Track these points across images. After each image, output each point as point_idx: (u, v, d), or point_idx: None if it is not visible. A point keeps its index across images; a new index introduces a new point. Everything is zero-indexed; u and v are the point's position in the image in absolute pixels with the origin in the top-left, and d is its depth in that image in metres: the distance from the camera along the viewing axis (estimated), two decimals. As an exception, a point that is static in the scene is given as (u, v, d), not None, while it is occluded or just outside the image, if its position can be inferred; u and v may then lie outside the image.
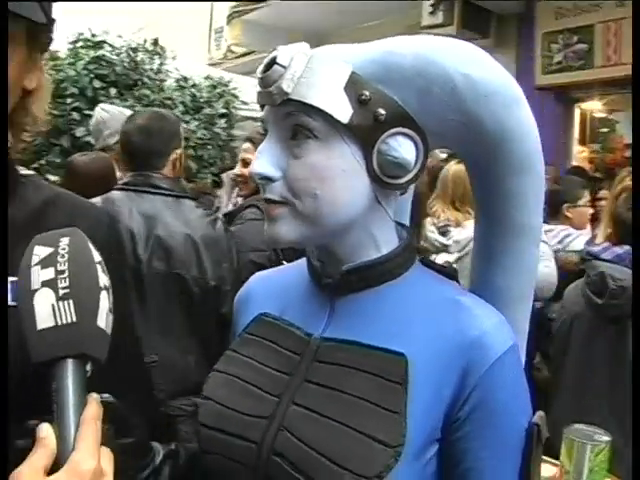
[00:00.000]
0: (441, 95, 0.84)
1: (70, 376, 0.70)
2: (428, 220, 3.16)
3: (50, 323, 0.69)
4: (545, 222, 3.00)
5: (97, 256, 0.75)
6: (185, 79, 6.21)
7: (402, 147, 0.86)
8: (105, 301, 0.73)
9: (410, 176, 0.88)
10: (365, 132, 0.84)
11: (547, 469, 1.44)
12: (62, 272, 0.71)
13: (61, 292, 0.70)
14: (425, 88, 0.84)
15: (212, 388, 0.96)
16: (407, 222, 1.06)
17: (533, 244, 0.97)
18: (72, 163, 3.04)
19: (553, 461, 1.37)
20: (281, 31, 8.84)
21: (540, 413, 0.88)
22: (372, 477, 0.78)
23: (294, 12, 8.42)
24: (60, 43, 5.68)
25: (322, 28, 8.90)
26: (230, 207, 3.40)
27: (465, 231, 2.96)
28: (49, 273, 0.71)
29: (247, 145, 3.11)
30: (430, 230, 3.13)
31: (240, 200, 3.28)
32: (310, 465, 0.81)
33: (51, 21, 0.97)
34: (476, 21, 6.99)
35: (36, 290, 0.70)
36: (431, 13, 6.93)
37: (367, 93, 0.84)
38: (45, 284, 0.70)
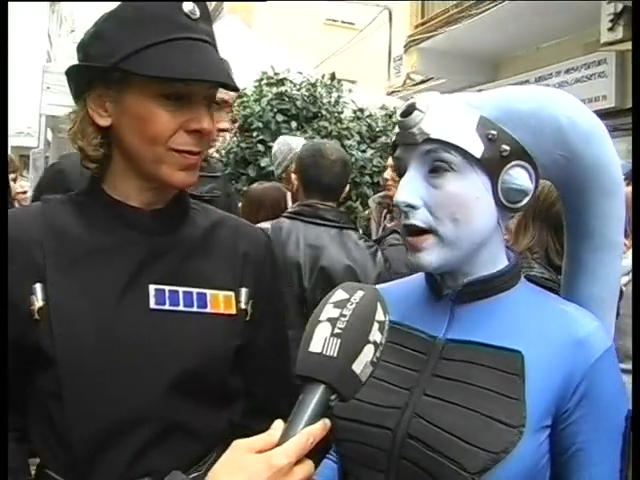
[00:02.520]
0: (550, 134, 1.02)
1: (315, 397, 0.82)
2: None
3: (318, 349, 0.83)
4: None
5: (381, 316, 0.87)
6: (361, 110, 6.47)
7: (521, 177, 1.02)
8: (369, 353, 0.84)
9: (526, 201, 1.04)
10: (492, 165, 1.01)
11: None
12: (344, 316, 0.84)
13: (336, 330, 0.84)
14: (538, 128, 1.02)
15: None
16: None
17: (619, 258, 1.11)
18: (249, 191, 3.43)
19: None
20: (457, 57, 8.93)
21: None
22: (499, 452, 0.93)
23: (469, 38, 8.46)
24: (246, 82, 6.19)
25: (497, 52, 8.89)
26: (380, 232, 3.55)
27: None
28: (335, 312, 0.85)
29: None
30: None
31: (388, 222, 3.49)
32: (444, 445, 0.96)
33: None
34: (662, 34, 6.66)
35: (320, 321, 0.85)
36: (610, 29, 6.71)
37: (494, 132, 1.01)
38: (329, 320, 0.85)
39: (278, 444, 0.79)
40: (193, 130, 1.10)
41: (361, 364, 0.84)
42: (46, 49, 20.13)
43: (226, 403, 1.21)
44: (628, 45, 6.64)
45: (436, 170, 1.01)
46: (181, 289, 1.14)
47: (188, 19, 1.09)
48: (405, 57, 10.41)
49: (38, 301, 1.08)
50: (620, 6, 6.50)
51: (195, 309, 1.15)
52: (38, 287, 1.08)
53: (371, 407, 1.04)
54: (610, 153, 1.05)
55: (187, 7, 1.09)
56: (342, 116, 6.19)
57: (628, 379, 2.74)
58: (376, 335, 0.86)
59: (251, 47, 7.97)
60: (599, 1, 6.59)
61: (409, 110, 1.03)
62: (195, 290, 1.15)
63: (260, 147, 5.67)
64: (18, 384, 1.13)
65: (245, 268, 1.24)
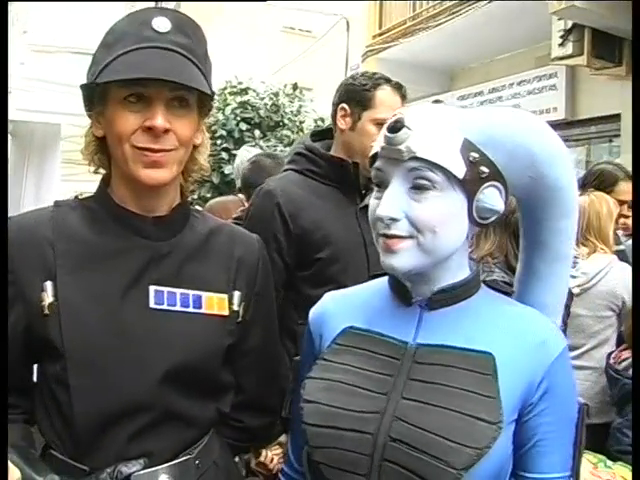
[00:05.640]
0: (522, 157, 1.09)
1: None
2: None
3: None
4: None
5: None
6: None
7: (494, 197, 1.08)
8: None
9: (495, 217, 1.11)
10: (471, 185, 1.06)
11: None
12: None
13: None
14: (513, 151, 1.08)
15: (313, 392, 1.11)
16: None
17: (568, 269, 1.22)
18: (210, 204, 3.69)
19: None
20: (413, 68, 9.09)
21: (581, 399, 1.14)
22: (483, 448, 0.98)
23: (425, 49, 8.64)
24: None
25: (453, 63, 9.10)
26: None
27: (594, 263, 2.86)
28: None
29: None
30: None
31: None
32: (428, 445, 0.99)
33: (213, 93, 1.30)
34: (608, 49, 6.87)
35: None
36: (561, 45, 6.94)
37: (476, 155, 1.06)
38: None
39: None
40: (147, 128, 1.17)
41: None
42: (-3, 51, 19.71)
43: (216, 395, 1.32)
44: (577, 60, 6.90)
45: (419, 187, 1.05)
46: (179, 291, 1.24)
47: (154, 32, 1.19)
48: (363, 66, 10.55)
49: (48, 297, 1.18)
50: (570, 23, 6.73)
51: (191, 309, 1.25)
52: (49, 285, 1.19)
53: (348, 413, 1.06)
54: (568, 173, 1.13)
55: (156, 23, 1.20)
56: (304, 125, 6.33)
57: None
58: None
59: (214, 62, 8.02)
60: (550, 18, 6.79)
61: (397, 126, 1.05)
62: (191, 292, 1.25)
63: (224, 155, 5.75)
64: (27, 372, 1.26)
65: (239, 272, 1.33)
